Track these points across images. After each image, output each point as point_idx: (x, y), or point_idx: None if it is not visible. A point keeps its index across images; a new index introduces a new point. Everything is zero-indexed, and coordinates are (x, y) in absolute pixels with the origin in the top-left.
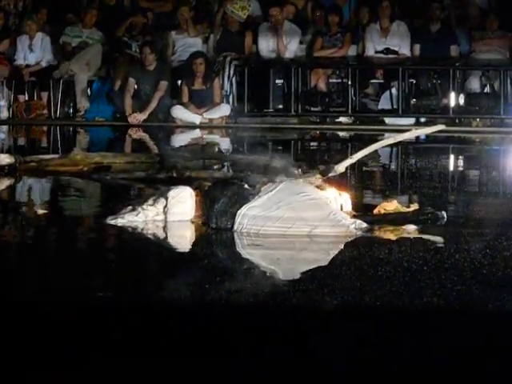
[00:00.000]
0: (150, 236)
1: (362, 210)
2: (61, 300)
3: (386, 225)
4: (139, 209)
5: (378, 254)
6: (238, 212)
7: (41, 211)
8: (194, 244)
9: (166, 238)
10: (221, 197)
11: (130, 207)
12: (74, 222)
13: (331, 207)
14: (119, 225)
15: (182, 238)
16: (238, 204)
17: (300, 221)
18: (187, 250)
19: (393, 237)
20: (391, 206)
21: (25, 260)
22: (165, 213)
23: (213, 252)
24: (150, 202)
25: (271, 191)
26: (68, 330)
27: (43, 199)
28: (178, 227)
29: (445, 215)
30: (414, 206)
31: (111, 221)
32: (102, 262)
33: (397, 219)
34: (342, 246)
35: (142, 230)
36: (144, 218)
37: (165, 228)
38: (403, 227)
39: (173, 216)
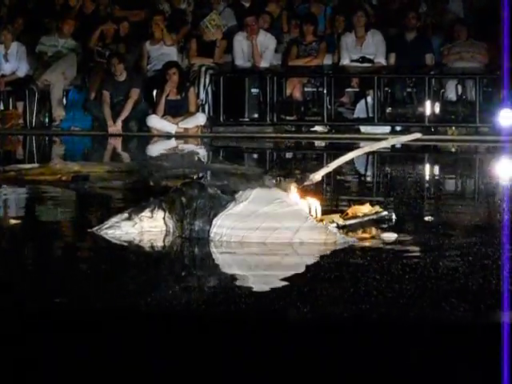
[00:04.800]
0: (139, 247)
1: (333, 214)
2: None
3: (361, 231)
4: (136, 219)
5: (356, 262)
6: (214, 221)
7: (19, 221)
8: (168, 255)
9: (155, 248)
10: (198, 197)
11: (126, 215)
12: (66, 233)
13: (306, 213)
14: (117, 236)
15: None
16: (215, 210)
17: (278, 229)
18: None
19: (370, 244)
20: (364, 208)
21: (26, 274)
22: (165, 224)
23: (189, 263)
24: (147, 213)
25: (245, 200)
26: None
27: (27, 209)
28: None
29: (394, 216)
30: (376, 209)
31: (108, 230)
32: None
33: (366, 222)
34: (321, 254)
35: (138, 241)
36: (140, 229)
37: (156, 240)
38: (382, 235)
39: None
